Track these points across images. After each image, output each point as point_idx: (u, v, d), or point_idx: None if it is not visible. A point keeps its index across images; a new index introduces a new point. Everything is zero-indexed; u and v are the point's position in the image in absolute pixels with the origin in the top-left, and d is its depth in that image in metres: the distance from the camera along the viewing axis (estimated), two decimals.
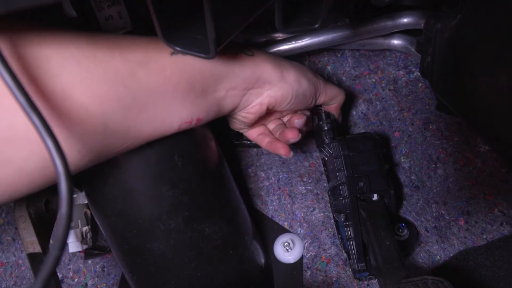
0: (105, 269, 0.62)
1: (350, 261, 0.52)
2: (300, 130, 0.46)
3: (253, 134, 0.48)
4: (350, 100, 0.63)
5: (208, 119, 0.38)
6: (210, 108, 0.37)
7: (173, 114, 0.34)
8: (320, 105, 0.52)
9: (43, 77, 0.26)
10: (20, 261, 0.64)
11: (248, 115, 0.41)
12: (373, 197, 0.51)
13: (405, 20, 0.53)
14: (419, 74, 0.60)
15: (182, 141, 0.39)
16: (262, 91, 0.40)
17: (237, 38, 0.64)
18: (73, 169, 0.29)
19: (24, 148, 0.26)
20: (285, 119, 0.50)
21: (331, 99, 0.50)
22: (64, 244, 0.21)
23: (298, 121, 0.46)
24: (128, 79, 0.30)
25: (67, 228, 0.21)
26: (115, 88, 0.29)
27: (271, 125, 0.49)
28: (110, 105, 0.29)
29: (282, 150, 0.46)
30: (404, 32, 0.56)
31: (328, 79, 0.64)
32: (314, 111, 0.54)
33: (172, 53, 0.32)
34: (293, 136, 0.45)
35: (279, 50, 0.56)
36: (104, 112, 0.29)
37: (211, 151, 0.44)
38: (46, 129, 0.21)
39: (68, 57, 0.27)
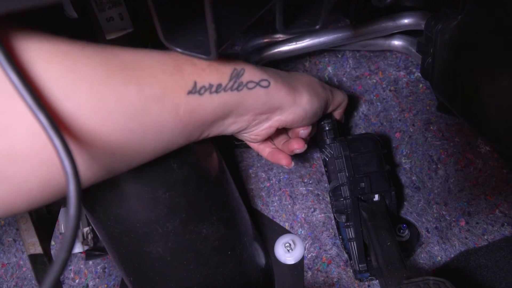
0: (106, 270, 0.62)
1: (351, 262, 0.52)
2: (304, 139, 0.45)
3: (254, 144, 0.48)
4: (351, 101, 0.63)
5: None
6: (213, 132, 0.37)
7: (178, 143, 0.34)
8: None
9: (50, 99, 0.25)
10: (21, 262, 0.64)
11: (257, 137, 0.41)
12: (374, 197, 0.50)
13: (406, 21, 0.53)
14: (419, 75, 0.60)
15: None
16: (272, 116, 0.39)
17: (237, 39, 0.64)
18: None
19: (24, 167, 0.25)
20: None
21: (338, 106, 0.50)
22: (72, 247, 0.21)
23: (304, 131, 0.45)
24: (141, 113, 0.29)
25: (75, 230, 0.21)
26: (126, 120, 0.28)
27: (274, 135, 0.48)
28: (119, 136, 0.28)
29: (284, 161, 0.45)
30: (405, 33, 0.56)
31: (329, 80, 0.64)
32: None
33: (189, 92, 0.31)
34: (299, 146, 0.44)
35: (280, 51, 0.56)
36: (112, 142, 0.28)
37: (208, 153, 0.44)
38: (53, 128, 0.21)
39: (79, 80, 0.26)
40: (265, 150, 0.47)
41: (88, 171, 0.29)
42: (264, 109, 0.37)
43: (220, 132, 0.37)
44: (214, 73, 0.32)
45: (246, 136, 0.42)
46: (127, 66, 0.29)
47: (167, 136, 0.32)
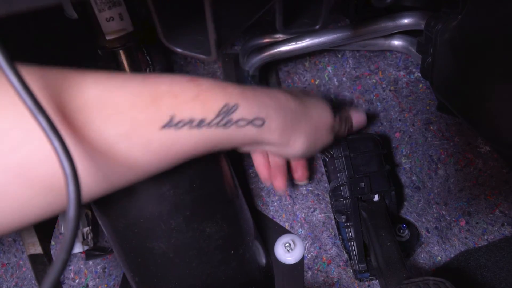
0: (106, 270, 0.62)
1: (351, 261, 0.52)
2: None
3: None
4: (351, 101, 0.63)
5: None
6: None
7: (158, 172, 0.32)
8: None
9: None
10: (21, 262, 0.64)
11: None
12: (374, 197, 0.50)
13: (406, 20, 0.53)
14: (419, 74, 0.60)
15: None
16: (259, 146, 0.38)
17: (237, 39, 0.64)
18: None
19: (29, 189, 0.25)
20: None
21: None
22: (72, 248, 0.21)
23: (300, 180, 0.46)
24: (105, 154, 0.27)
25: (75, 231, 0.21)
26: (88, 165, 0.26)
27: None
28: (88, 179, 0.27)
29: (262, 175, 0.45)
30: (405, 32, 0.56)
31: (329, 80, 0.64)
32: None
33: (163, 127, 0.28)
34: (278, 186, 0.44)
35: (280, 51, 0.56)
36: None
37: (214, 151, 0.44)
38: (52, 128, 0.21)
39: (31, 131, 0.24)
40: (254, 152, 0.45)
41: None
42: (252, 143, 0.35)
43: None
44: (198, 106, 0.29)
45: None
46: (92, 105, 0.26)
47: (140, 169, 0.30)
